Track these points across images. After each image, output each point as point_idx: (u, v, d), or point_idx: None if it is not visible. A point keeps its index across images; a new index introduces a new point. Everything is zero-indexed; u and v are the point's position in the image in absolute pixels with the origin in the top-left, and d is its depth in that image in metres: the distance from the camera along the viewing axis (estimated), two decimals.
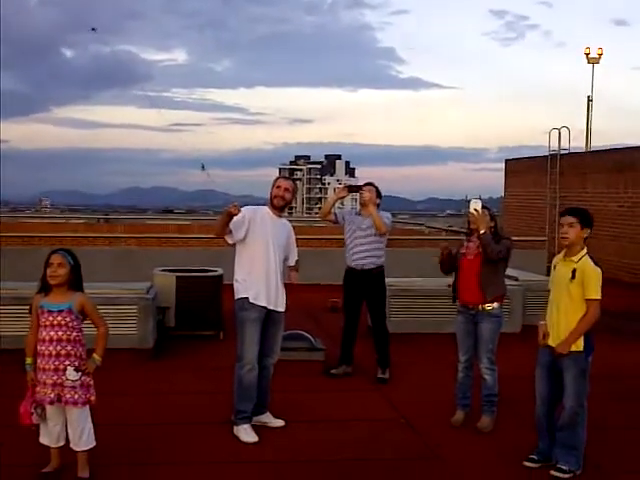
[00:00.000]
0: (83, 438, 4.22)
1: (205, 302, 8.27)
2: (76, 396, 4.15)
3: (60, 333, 4.17)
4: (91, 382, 4.24)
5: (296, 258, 5.66)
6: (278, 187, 5.44)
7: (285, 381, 5.89)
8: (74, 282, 4.25)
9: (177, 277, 8.33)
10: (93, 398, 4.24)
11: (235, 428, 5.24)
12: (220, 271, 8.57)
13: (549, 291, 4.71)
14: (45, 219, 25.10)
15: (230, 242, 5.36)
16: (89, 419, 4.26)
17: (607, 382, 6.34)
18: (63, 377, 4.14)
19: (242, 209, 5.27)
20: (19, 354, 6.81)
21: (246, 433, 5.18)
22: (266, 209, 5.47)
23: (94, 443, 4.27)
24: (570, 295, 4.47)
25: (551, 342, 4.55)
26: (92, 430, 4.27)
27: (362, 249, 6.66)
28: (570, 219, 4.53)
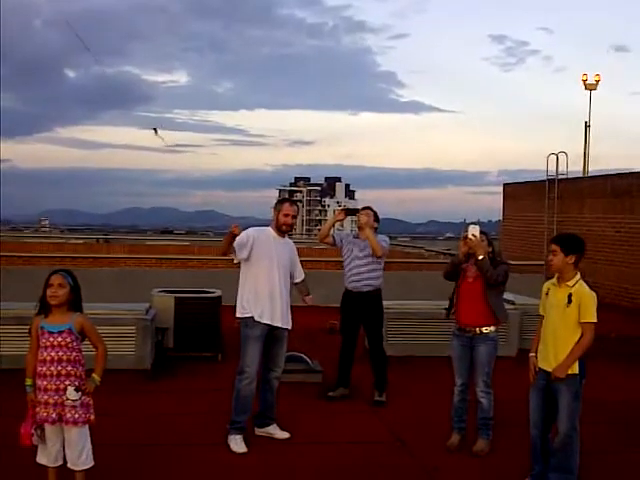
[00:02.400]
0: (82, 458, 4.24)
1: (204, 323, 8.30)
2: (76, 415, 4.18)
3: (60, 353, 4.21)
4: (90, 402, 4.27)
5: (302, 276, 5.92)
6: (286, 215, 5.65)
7: (282, 403, 5.92)
8: (74, 303, 4.29)
9: (176, 298, 8.37)
10: (92, 417, 4.26)
11: (228, 437, 5.42)
12: (219, 292, 8.62)
13: (540, 316, 4.77)
14: (45, 239, 25.19)
15: (235, 261, 5.64)
16: (88, 439, 4.28)
17: (597, 406, 6.38)
18: (64, 397, 4.18)
19: (247, 230, 5.60)
20: (20, 374, 6.83)
21: (236, 443, 5.38)
22: (270, 230, 5.72)
23: (92, 463, 4.29)
24: (566, 320, 4.52)
25: (546, 366, 4.58)
26: (91, 450, 4.29)
27: (360, 272, 6.72)
28: (553, 246, 4.62)
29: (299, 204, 5.89)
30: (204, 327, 8.28)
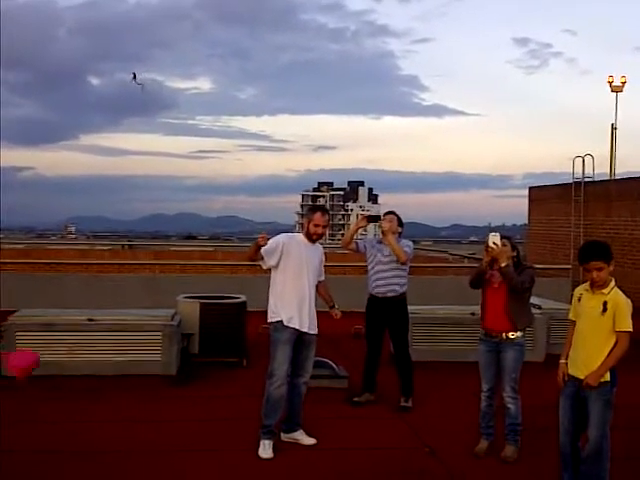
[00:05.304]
0: None
1: (229, 329, 8.31)
2: None
3: None
4: None
5: (323, 277, 5.96)
6: (316, 225, 5.68)
7: (308, 408, 5.90)
8: None
9: (201, 304, 8.39)
10: None
11: (259, 442, 5.44)
12: (243, 298, 8.64)
13: (570, 321, 4.70)
14: (71, 245, 25.43)
15: (264, 267, 5.69)
16: None
17: (628, 411, 6.28)
18: None
19: (278, 236, 5.69)
20: (49, 380, 6.93)
21: (264, 449, 5.41)
22: (301, 236, 5.80)
23: None
24: (601, 328, 4.43)
25: (578, 374, 4.51)
26: None
27: (384, 277, 6.69)
28: (598, 264, 4.40)
29: (329, 213, 5.92)
30: (229, 332, 8.30)
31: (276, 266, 5.62)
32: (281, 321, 5.56)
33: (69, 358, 7.42)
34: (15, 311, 7.99)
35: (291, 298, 5.59)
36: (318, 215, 5.72)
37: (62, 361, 7.38)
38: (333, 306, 5.98)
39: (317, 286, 5.88)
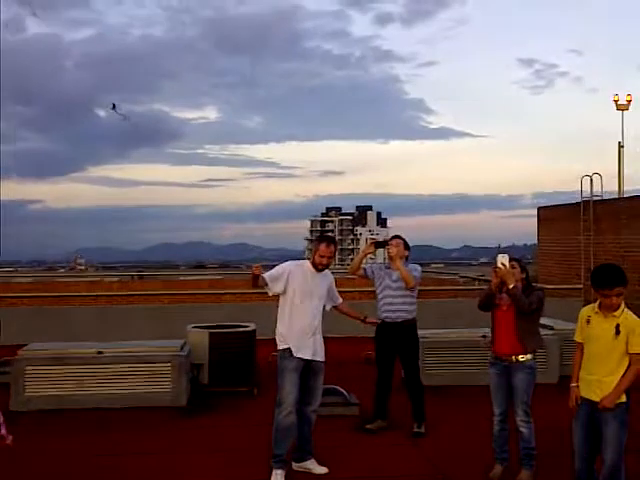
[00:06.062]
0: None
1: (239, 358, 8.27)
2: None
3: None
4: None
5: (341, 300, 6.05)
6: (321, 256, 5.70)
7: (319, 437, 5.85)
8: None
9: (210, 333, 8.37)
10: None
11: (272, 472, 5.40)
12: (253, 326, 8.60)
13: (577, 343, 4.64)
14: (80, 278, 25.48)
15: (270, 294, 5.72)
16: None
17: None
18: None
19: (284, 264, 5.76)
20: (58, 414, 6.89)
21: (275, 479, 5.35)
22: (308, 264, 5.80)
23: None
24: (614, 350, 4.38)
25: (592, 396, 4.45)
26: None
27: (393, 302, 6.66)
28: (620, 290, 4.37)
29: (336, 243, 5.96)
30: (239, 362, 8.26)
31: (282, 293, 5.64)
32: (288, 349, 5.56)
33: (79, 391, 7.39)
34: (25, 345, 7.99)
35: (297, 326, 5.59)
36: (323, 246, 5.71)
37: (72, 395, 7.36)
38: (365, 317, 6.20)
39: (338, 309, 6.01)
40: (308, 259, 5.89)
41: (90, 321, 11.76)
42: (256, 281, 5.57)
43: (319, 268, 5.72)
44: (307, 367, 5.60)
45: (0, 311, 12.61)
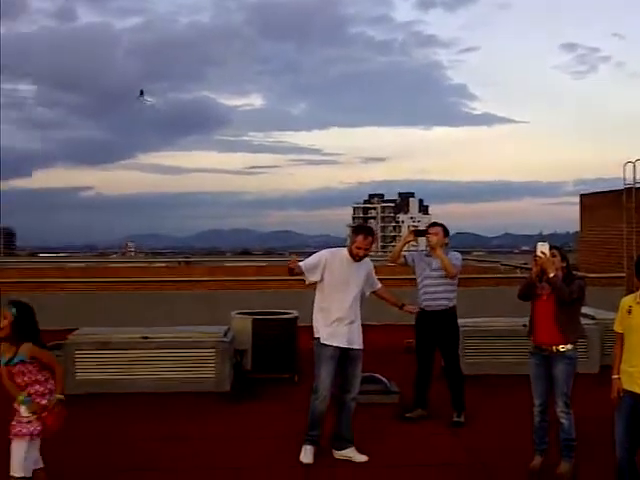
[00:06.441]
0: (13, 466, 4.39)
1: (281, 345, 8.38)
2: (16, 430, 4.39)
3: (19, 380, 4.41)
4: (35, 418, 4.39)
5: (380, 285, 6.06)
6: (358, 248, 5.70)
7: (358, 425, 5.91)
8: (19, 334, 4.42)
9: (253, 320, 8.49)
10: (36, 433, 4.39)
11: (302, 447, 5.61)
12: (295, 313, 8.69)
13: (617, 333, 4.60)
14: (129, 263, 25.98)
15: (307, 282, 5.76)
16: (21, 452, 4.39)
17: None
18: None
19: (321, 252, 5.79)
20: (101, 398, 7.10)
21: (305, 453, 5.58)
22: (345, 252, 5.78)
23: (22, 474, 4.38)
24: None
25: (635, 388, 4.42)
26: (21, 462, 4.38)
27: (433, 290, 6.67)
28: None
29: (372, 221, 5.99)
30: (281, 348, 8.37)
31: (321, 281, 5.68)
32: (323, 337, 5.63)
33: (125, 376, 7.59)
34: (76, 329, 8.22)
35: (333, 314, 5.63)
36: (360, 238, 5.71)
37: (118, 379, 7.56)
38: (403, 305, 6.13)
39: (376, 294, 6.02)
40: (347, 247, 5.90)
41: (139, 306, 12.02)
42: (292, 271, 5.60)
43: (356, 259, 5.74)
44: (344, 355, 5.65)
45: (54, 295, 13.06)
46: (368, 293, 5.98)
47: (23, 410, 4.39)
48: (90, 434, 6.26)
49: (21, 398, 4.39)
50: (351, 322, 5.66)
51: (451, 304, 6.72)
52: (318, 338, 5.66)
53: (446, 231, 6.78)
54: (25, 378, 4.40)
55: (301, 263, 5.68)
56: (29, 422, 4.38)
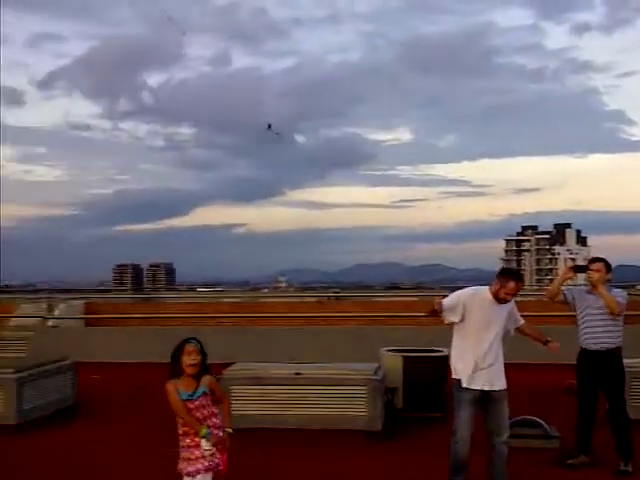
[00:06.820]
0: None
1: (432, 383, 8.23)
2: (206, 463, 4.43)
3: (198, 414, 4.46)
4: (216, 452, 4.46)
5: (522, 321, 5.78)
6: (507, 294, 5.49)
7: (515, 470, 5.67)
8: (203, 368, 4.52)
9: (404, 357, 8.40)
10: (221, 467, 4.48)
11: None
12: (446, 351, 8.49)
13: None
14: (280, 298, 26.64)
15: (446, 322, 5.60)
16: None
17: None
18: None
19: (459, 292, 5.61)
20: (259, 433, 7.25)
21: None
22: (487, 292, 5.56)
23: None
24: None
25: None
26: None
27: (595, 329, 6.32)
28: None
29: (526, 253, 5.79)
30: (432, 387, 8.21)
31: (461, 321, 5.51)
32: (460, 380, 5.47)
33: (277, 412, 7.69)
34: (232, 363, 8.47)
35: (471, 358, 5.44)
36: (512, 284, 5.48)
37: (271, 415, 7.68)
38: (547, 341, 5.82)
39: (519, 330, 5.75)
40: (490, 287, 5.60)
41: (290, 341, 12.26)
42: (436, 313, 5.47)
43: (501, 303, 5.52)
44: (485, 397, 5.46)
45: (211, 329, 13.63)
46: (513, 331, 5.75)
47: (204, 443, 4.42)
48: (251, 469, 6.38)
49: (204, 431, 4.42)
50: (492, 364, 5.46)
51: (615, 344, 6.33)
52: (458, 380, 5.50)
53: (608, 266, 6.43)
54: (204, 411, 4.47)
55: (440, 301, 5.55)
56: (212, 454, 4.44)
